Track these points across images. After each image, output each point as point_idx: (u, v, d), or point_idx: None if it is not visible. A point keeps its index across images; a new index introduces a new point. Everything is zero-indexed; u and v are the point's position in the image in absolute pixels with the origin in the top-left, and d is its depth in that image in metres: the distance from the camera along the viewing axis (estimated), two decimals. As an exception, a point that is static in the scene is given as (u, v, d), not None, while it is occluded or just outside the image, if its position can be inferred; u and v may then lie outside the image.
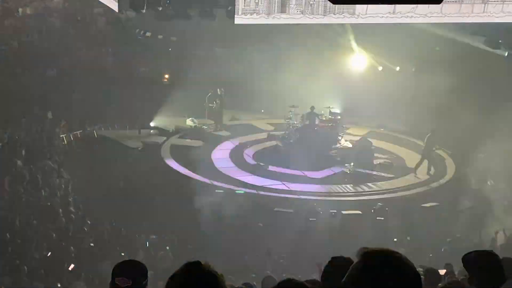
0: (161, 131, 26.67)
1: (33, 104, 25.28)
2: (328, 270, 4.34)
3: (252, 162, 23.68)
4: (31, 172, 21.05)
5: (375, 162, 23.49)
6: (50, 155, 22.39)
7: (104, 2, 21.98)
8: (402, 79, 27.49)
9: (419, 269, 7.71)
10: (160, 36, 29.86)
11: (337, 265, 4.26)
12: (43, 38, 29.98)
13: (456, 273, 10.07)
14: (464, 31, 24.05)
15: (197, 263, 2.84)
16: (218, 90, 26.92)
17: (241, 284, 9.34)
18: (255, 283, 10.91)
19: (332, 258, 4.41)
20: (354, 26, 25.57)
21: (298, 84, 25.98)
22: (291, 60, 26.98)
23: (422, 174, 22.59)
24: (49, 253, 16.51)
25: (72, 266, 16.10)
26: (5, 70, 26.22)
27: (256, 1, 20.33)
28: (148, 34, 29.66)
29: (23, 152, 22.14)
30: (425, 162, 22.66)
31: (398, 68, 28.29)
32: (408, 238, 18.30)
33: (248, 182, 21.59)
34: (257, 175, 22.18)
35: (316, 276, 6.00)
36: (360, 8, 20.55)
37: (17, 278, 15.11)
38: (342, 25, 25.71)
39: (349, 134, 26.16)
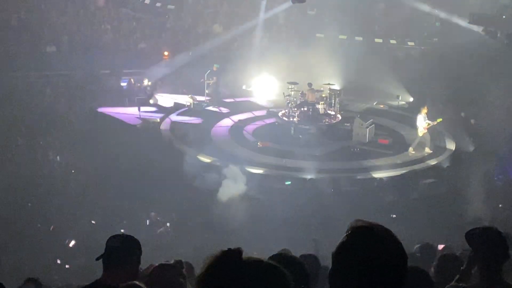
0: (160, 108, 26.64)
1: (32, 81, 25.23)
2: None
3: (251, 138, 23.70)
4: (31, 149, 21.10)
5: (374, 138, 23.50)
6: (49, 132, 22.40)
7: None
8: (401, 56, 27.50)
9: (416, 246, 7.77)
10: (158, 4, 29.93)
11: None
12: (43, 15, 29.89)
13: (454, 248, 10.12)
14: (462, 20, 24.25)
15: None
16: (214, 66, 26.88)
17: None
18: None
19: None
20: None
21: (297, 61, 25.94)
22: (290, 36, 26.91)
23: (419, 151, 22.57)
24: (52, 227, 16.63)
25: (73, 242, 16.22)
26: (5, 47, 26.16)
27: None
28: (146, 1, 29.73)
29: (23, 129, 22.17)
30: (424, 140, 22.63)
31: (394, 42, 28.27)
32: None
33: (247, 158, 21.60)
34: (257, 152, 22.20)
35: (313, 252, 6.06)
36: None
37: (17, 255, 15.22)
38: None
39: (349, 110, 26.17)
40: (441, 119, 22.20)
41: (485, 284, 4.69)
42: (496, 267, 4.68)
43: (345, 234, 2.56)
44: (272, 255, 4.04)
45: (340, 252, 2.52)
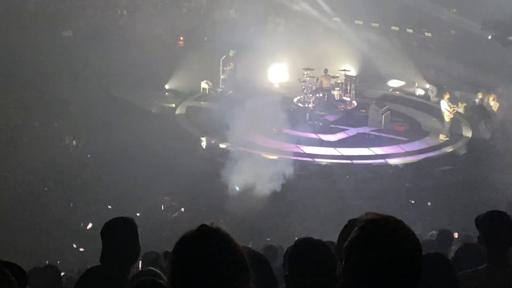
0: (176, 93, 26.64)
1: (49, 66, 25.29)
2: (343, 232, 4.35)
3: (266, 124, 23.60)
4: (48, 133, 21.21)
5: (390, 125, 23.40)
6: (66, 117, 22.48)
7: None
8: (418, 45, 27.40)
9: (433, 232, 7.74)
10: None
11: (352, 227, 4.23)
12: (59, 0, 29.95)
13: (473, 236, 10.07)
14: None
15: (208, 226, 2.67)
16: (230, 52, 26.73)
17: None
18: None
19: (349, 220, 4.40)
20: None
21: (313, 47, 25.83)
22: (306, 22, 26.79)
23: (441, 137, 22.47)
24: (71, 204, 16.74)
25: (90, 225, 16.31)
26: (21, 32, 26.22)
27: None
28: None
29: (40, 113, 22.28)
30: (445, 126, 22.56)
31: (410, 31, 28.14)
32: (429, 203, 18.28)
33: (262, 144, 21.55)
34: (271, 138, 22.14)
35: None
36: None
37: (33, 238, 15.33)
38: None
39: (365, 97, 26.05)
40: (465, 104, 22.20)
41: (492, 267, 4.66)
42: (502, 249, 4.66)
43: (356, 228, 2.46)
44: (299, 239, 3.97)
45: (352, 247, 2.44)
